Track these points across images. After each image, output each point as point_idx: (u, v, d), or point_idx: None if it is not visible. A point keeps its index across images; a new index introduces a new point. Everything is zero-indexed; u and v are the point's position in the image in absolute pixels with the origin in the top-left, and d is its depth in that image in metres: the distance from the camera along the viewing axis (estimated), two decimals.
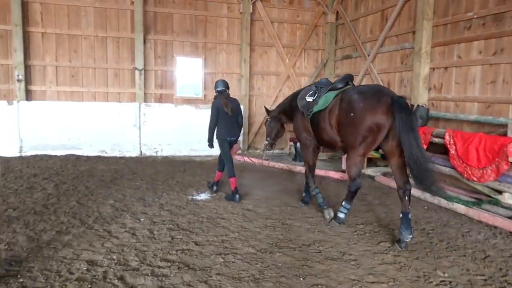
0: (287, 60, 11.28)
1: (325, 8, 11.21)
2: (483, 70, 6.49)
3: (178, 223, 4.90)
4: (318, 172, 8.02)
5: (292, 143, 10.18)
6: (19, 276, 3.33)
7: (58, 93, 9.84)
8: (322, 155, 9.98)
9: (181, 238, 4.37)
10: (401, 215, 4.30)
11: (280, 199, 6.16)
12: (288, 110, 5.97)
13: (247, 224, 4.95)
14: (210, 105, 6.16)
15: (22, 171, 7.60)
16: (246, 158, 8.33)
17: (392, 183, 7.07)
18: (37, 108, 9.21)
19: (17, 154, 9.04)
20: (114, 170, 8.02)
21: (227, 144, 6.01)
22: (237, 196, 5.93)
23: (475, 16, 6.56)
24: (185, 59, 10.62)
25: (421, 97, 7.54)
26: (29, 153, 9.09)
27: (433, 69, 7.50)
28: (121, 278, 3.39)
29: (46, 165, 8.21)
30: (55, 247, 3.98)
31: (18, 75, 9.25)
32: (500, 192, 5.64)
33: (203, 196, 6.25)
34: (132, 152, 9.78)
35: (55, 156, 9.09)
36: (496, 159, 5.43)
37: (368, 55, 9.54)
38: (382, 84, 8.96)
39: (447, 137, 6.15)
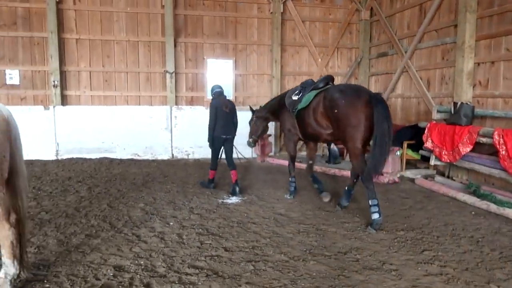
0: (320, 60, 10.97)
1: (359, 5, 10.82)
2: None
3: (208, 227, 4.74)
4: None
5: (326, 145, 9.84)
6: (45, 281, 3.27)
7: (92, 97, 10.01)
8: None
9: (210, 244, 4.21)
10: (346, 188, 5.44)
11: (313, 203, 5.90)
12: (276, 109, 6.53)
13: (279, 229, 4.72)
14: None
15: (57, 174, 7.74)
16: (277, 160, 8.12)
17: (435, 186, 6.64)
18: (72, 112, 9.41)
19: (54, 158, 9.26)
20: (146, 173, 8.02)
21: (221, 142, 6.44)
22: (212, 185, 6.65)
23: None
24: (216, 61, 10.54)
25: (465, 94, 7.04)
26: (64, 157, 9.29)
27: (478, 64, 7.00)
28: (148, 285, 3.25)
29: (81, 168, 8.34)
30: (84, 251, 3.92)
31: (54, 81, 9.48)
32: None
33: (234, 199, 6.09)
34: (164, 155, 9.79)
35: (90, 159, 9.24)
36: None
37: (406, 52, 9.09)
38: (421, 82, 8.52)
39: (496, 137, 5.67)
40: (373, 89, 10.84)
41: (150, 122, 9.68)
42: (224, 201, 5.99)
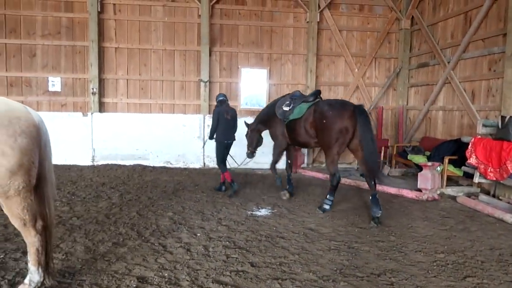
0: (356, 70, 10.68)
1: (399, 13, 10.47)
2: None
3: (235, 240, 4.61)
4: (389, 189, 7.35)
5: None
6: None
7: (128, 105, 10.21)
8: (395, 172, 9.18)
9: (236, 258, 4.07)
10: (370, 197, 5.52)
11: (346, 219, 5.64)
12: (265, 119, 7.09)
13: (309, 245, 4.51)
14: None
15: (92, 179, 7.90)
16: (309, 172, 7.91)
17: (479, 206, 6.20)
18: (109, 119, 9.64)
19: (90, 163, 9.49)
20: (177, 181, 8.03)
21: (224, 146, 6.94)
22: (235, 184, 6.89)
23: None
24: (250, 70, 10.49)
25: None
26: (100, 162, 9.50)
27: None
28: None
29: (115, 175, 8.47)
30: (109, 260, 3.89)
31: (93, 88, 9.76)
32: None
33: (263, 211, 5.93)
34: (195, 163, 9.80)
35: (124, 165, 9.39)
36: None
37: (448, 62, 8.65)
38: (465, 94, 8.07)
39: None
40: (413, 100, 10.44)
41: (183, 131, 9.74)
42: (254, 213, 5.85)
